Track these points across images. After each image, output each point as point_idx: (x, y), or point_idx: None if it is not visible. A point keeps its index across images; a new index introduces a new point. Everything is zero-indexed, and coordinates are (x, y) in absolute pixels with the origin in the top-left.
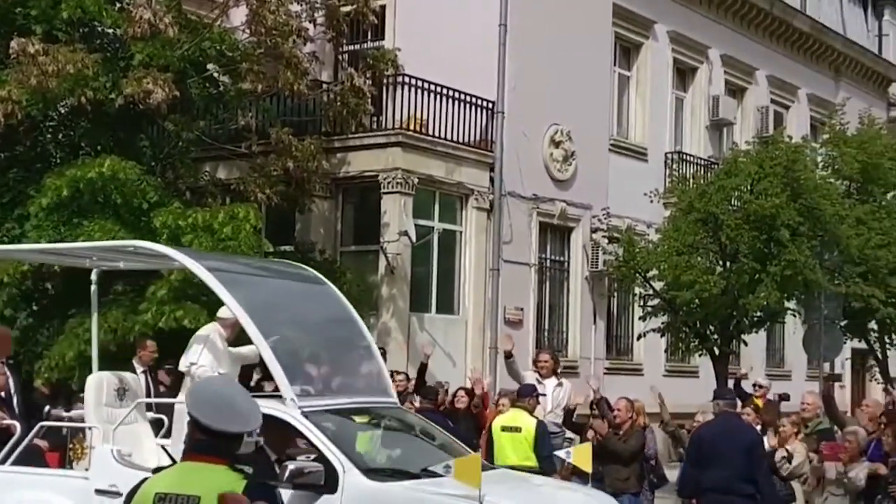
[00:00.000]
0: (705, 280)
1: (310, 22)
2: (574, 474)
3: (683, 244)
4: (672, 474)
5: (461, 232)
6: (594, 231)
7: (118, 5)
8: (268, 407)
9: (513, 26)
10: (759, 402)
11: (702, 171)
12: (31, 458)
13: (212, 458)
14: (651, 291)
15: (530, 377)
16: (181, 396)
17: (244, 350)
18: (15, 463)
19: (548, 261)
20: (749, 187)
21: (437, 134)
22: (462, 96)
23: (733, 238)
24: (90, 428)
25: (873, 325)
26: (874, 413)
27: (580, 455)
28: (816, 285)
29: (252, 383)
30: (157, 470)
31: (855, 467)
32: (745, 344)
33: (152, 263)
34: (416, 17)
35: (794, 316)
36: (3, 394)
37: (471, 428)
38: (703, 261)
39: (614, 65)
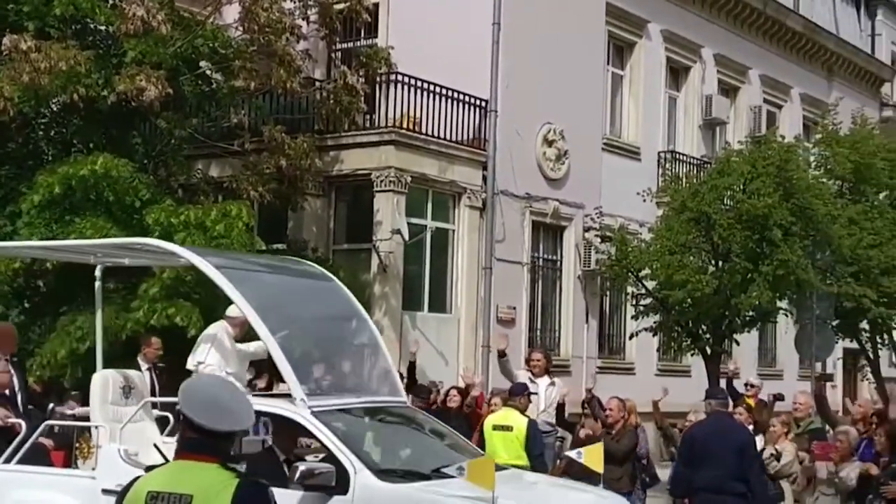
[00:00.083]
0: (697, 279)
1: (303, 19)
2: (565, 473)
3: (676, 243)
4: (664, 473)
5: (454, 230)
6: (587, 230)
7: (111, 2)
8: (277, 407)
9: (506, 25)
10: (751, 402)
11: (694, 171)
12: (36, 457)
13: (204, 457)
14: (643, 291)
15: (523, 376)
16: None
17: (251, 346)
18: (20, 462)
19: (540, 259)
20: (741, 187)
21: (429, 132)
22: (455, 95)
23: (726, 237)
24: (97, 427)
25: (865, 324)
26: (866, 412)
27: (591, 455)
28: (808, 285)
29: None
30: (149, 468)
31: (846, 467)
32: (738, 343)
33: (158, 261)
34: (410, 16)
35: (786, 315)
36: (6, 392)
37: (463, 427)
38: (696, 260)
39: (607, 64)
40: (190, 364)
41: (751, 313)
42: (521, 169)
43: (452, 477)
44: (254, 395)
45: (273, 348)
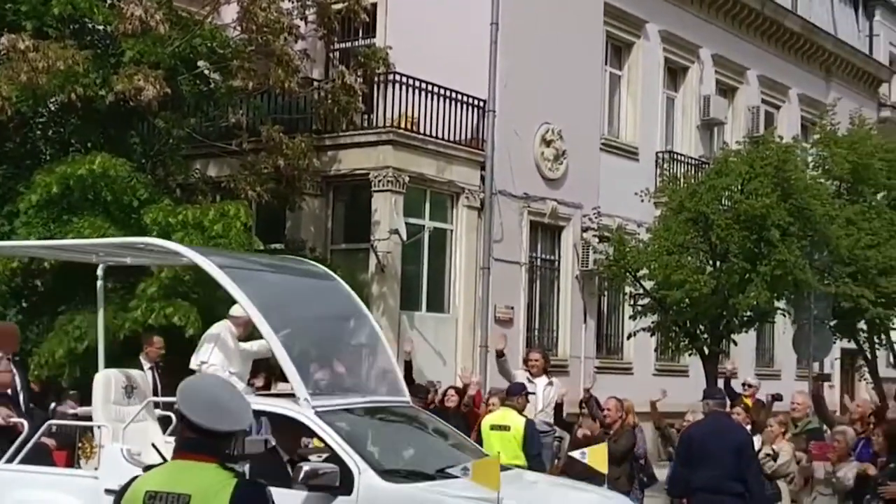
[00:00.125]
0: (695, 279)
1: (301, 19)
2: (563, 473)
3: (674, 243)
4: (661, 473)
5: (452, 230)
6: (585, 230)
7: (109, 2)
8: (281, 407)
9: (504, 25)
10: (749, 402)
11: (692, 171)
12: (39, 456)
13: (202, 457)
14: (641, 291)
15: (521, 376)
16: None
17: (254, 345)
18: (22, 462)
19: (538, 259)
20: (739, 187)
21: (428, 132)
22: (453, 95)
23: (723, 238)
24: (99, 427)
25: (862, 325)
26: (864, 412)
27: (595, 455)
28: (806, 285)
29: None
30: (147, 468)
31: (843, 467)
32: (735, 343)
33: (160, 260)
34: (408, 15)
35: (784, 316)
36: (9, 391)
37: (460, 427)
38: (694, 260)
39: (606, 64)
40: (193, 363)
41: (748, 313)
42: (519, 169)
43: (457, 477)
44: (257, 395)
45: (277, 348)
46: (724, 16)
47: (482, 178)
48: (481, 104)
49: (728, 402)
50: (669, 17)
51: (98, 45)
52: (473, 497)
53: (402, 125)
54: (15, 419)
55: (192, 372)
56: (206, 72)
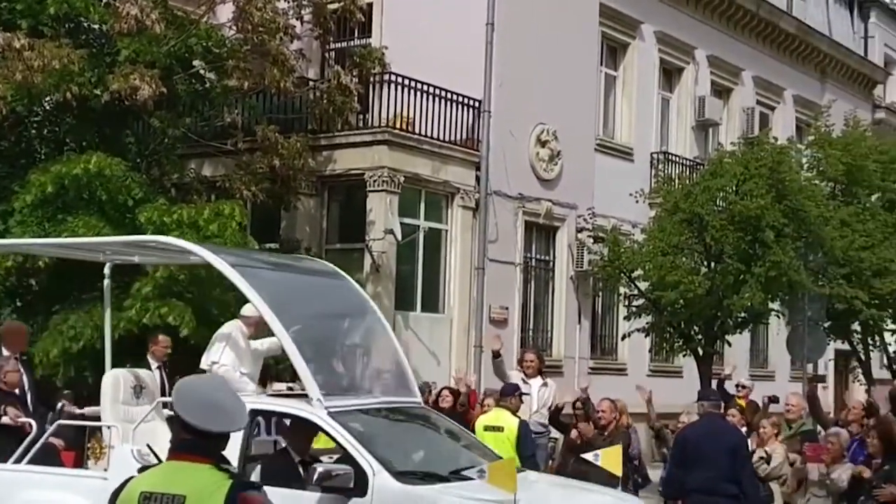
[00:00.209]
0: (690, 280)
1: (297, 19)
2: (557, 475)
3: (668, 244)
4: (655, 474)
5: (447, 230)
6: (579, 231)
7: (104, 1)
8: (293, 407)
9: (500, 25)
10: (742, 403)
11: (687, 172)
12: (47, 457)
13: (197, 458)
14: (636, 291)
15: (515, 377)
16: None
17: (265, 344)
18: (31, 462)
19: (533, 260)
20: (734, 188)
21: (423, 132)
22: (448, 95)
23: (718, 239)
24: (109, 427)
25: (856, 326)
26: (859, 415)
27: (609, 458)
28: (800, 286)
29: None
30: (142, 469)
31: (837, 469)
32: (729, 344)
33: (169, 259)
34: (404, 16)
35: (778, 317)
36: (17, 391)
37: None
38: (688, 261)
39: (601, 64)
40: (204, 363)
41: (743, 314)
42: (514, 169)
43: (472, 479)
44: (269, 396)
45: (290, 347)
46: (719, 17)
47: (477, 179)
48: (476, 104)
49: (722, 404)
50: (664, 18)
51: (93, 44)
52: (489, 499)
53: (398, 125)
54: (23, 419)
55: (204, 372)
56: (202, 71)
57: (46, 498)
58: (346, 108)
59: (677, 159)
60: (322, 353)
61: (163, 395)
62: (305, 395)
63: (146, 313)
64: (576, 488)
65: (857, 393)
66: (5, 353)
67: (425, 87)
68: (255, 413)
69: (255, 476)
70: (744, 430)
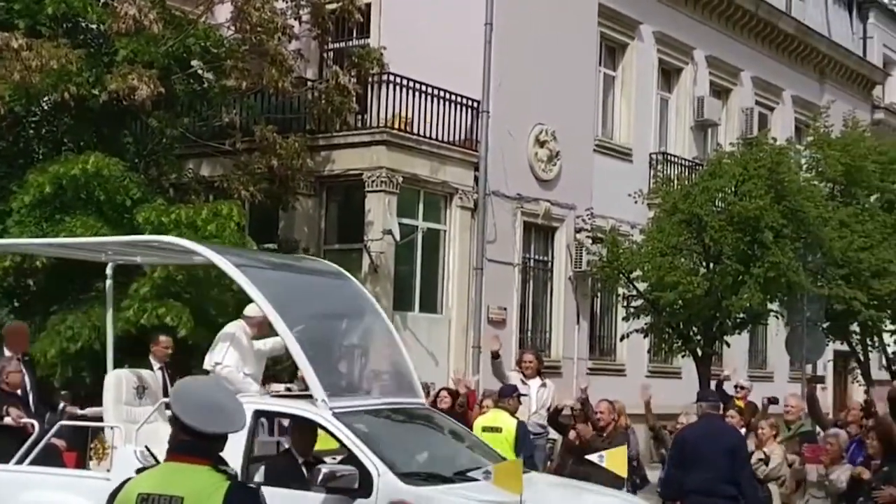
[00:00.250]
0: (689, 281)
1: (295, 19)
2: (555, 474)
3: (667, 245)
4: (653, 475)
5: (445, 231)
6: (578, 231)
7: (102, 1)
8: (298, 408)
9: (498, 25)
10: (741, 404)
11: (686, 172)
12: (49, 457)
13: (195, 459)
14: (634, 292)
15: (514, 378)
16: None
17: (268, 343)
18: (33, 463)
19: (531, 260)
20: (733, 189)
21: (421, 133)
22: (447, 95)
23: (717, 239)
24: (112, 427)
25: (855, 327)
26: (858, 416)
27: (614, 459)
28: (799, 287)
29: None
30: (140, 470)
31: (836, 470)
32: (728, 345)
33: (172, 259)
34: (402, 16)
35: (777, 318)
36: (19, 392)
37: None
38: (687, 262)
39: (600, 65)
40: (207, 364)
41: (742, 315)
42: (513, 170)
43: (476, 480)
44: (273, 396)
45: (294, 348)
46: (718, 17)
47: (475, 179)
48: (475, 105)
49: (721, 405)
50: (663, 19)
51: (91, 44)
52: (495, 500)
53: (396, 125)
54: (26, 420)
55: (206, 372)
56: (200, 71)
57: (49, 499)
58: (345, 108)
59: (676, 160)
60: (326, 354)
61: (165, 395)
62: (309, 396)
63: (144, 314)
64: (582, 489)
65: (857, 394)
66: (7, 353)
67: (424, 88)
68: (259, 414)
69: (258, 477)
70: (743, 431)
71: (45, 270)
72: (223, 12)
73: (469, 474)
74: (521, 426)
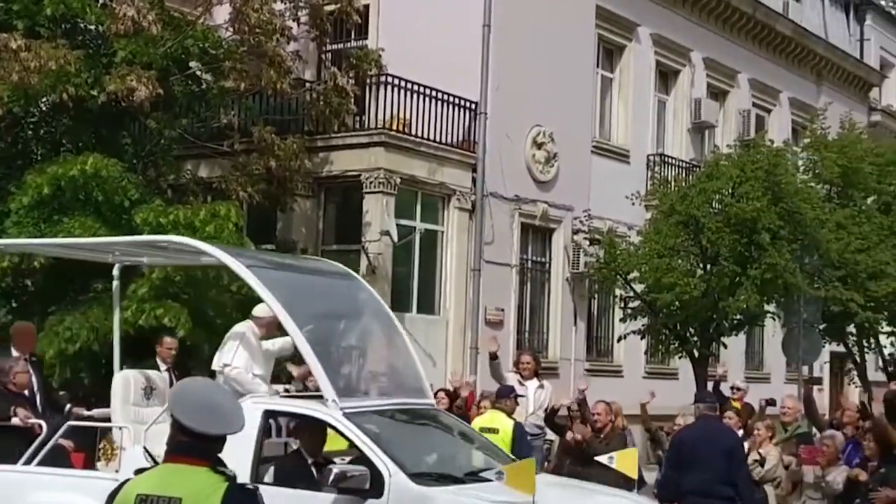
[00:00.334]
0: (686, 283)
1: (293, 21)
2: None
3: (664, 246)
4: (650, 476)
5: (443, 232)
6: (575, 232)
7: (101, 2)
8: (308, 408)
9: (496, 27)
10: (737, 405)
11: (683, 174)
12: (57, 458)
13: (193, 460)
14: (632, 293)
15: (512, 379)
16: None
17: (277, 343)
18: (41, 463)
19: (529, 262)
20: (730, 190)
21: (419, 134)
22: (445, 97)
23: (714, 241)
24: (121, 428)
25: (852, 328)
26: (854, 417)
27: (624, 461)
28: (796, 289)
29: None
30: (138, 471)
31: (833, 471)
32: (725, 347)
33: (179, 259)
34: (400, 17)
35: (774, 319)
36: (26, 392)
37: None
38: (684, 263)
39: (597, 66)
40: (216, 365)
41: (738, 317)
42: (511, 171)
43: (488, 480)
44: (282, 397)
45: (304, 348)
46: (715, 19)
47: (473, 180)
48: (473, 106)
49: (718, 406)
50: (661, 21)
51: (90, 45)
52: (507, 501)
53: (394, 127)
54: (33, 420)
55: (210, 373)
56: (198, 72)
57: (57, 499)
58: (343, 109)
59: (673, 161)
60: (336, 354)
61: None
62: (319, 396)
63: (142, 315)
64: (592, 491)
65: (854, 395)
66: (15, 353)
67: (422, 89)
68: (269, 414)
69: (268, 477)
70: (740, 432)
71: (43, 271)
72: (222, 14)
73: (481, 475)
74: (518, 427)
